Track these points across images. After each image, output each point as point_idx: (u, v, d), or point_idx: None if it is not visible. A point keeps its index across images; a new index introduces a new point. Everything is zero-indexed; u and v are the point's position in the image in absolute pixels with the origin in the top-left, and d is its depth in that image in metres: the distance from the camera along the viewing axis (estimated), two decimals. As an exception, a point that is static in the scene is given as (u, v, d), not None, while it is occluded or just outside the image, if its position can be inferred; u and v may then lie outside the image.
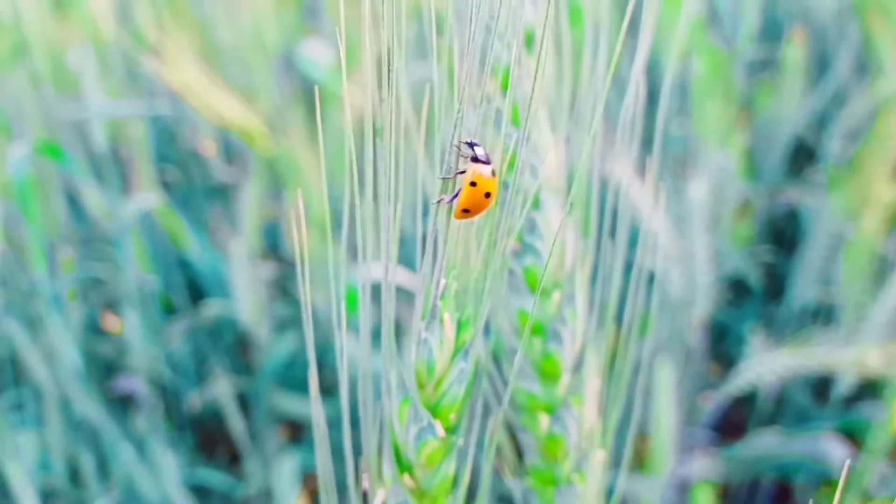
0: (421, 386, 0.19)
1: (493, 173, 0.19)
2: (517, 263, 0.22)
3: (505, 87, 0.20)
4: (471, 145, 0.19)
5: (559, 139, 0.21)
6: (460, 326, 0.19)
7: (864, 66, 0.72)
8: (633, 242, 0.22)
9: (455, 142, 0.18)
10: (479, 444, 0.19)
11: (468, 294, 0.19)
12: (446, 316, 0.19)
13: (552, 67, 0.20)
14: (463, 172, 0.18)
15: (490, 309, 0.19)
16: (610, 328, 0.22)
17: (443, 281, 0.19)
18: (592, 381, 0.22)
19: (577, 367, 0.23)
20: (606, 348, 0.22)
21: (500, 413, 0.19)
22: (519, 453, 0.23)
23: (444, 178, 0.18)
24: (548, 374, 0.22)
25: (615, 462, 0.24)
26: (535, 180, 0.21)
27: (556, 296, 0.22)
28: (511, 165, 0.18)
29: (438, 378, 0.19)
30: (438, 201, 0.18)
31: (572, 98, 0.20)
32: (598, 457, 0.23)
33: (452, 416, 0.19)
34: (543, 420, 0.23)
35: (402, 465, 0.19)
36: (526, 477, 0.23)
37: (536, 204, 0.21)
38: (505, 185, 0.19)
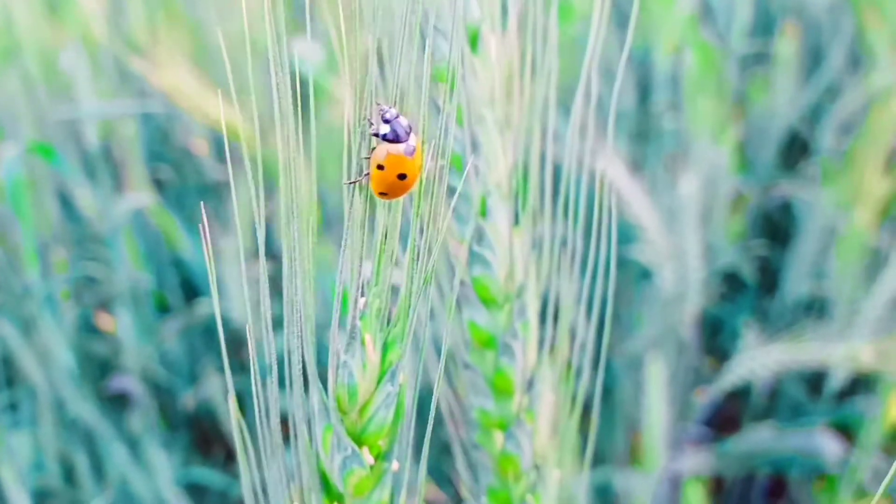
0: (343, 413, 0.18)
1: (413, 151, 0.17)
2: (466, 274, 0.21)
3: (452, 87, 0.19)
4: (384, 118, 0.17)
5: (508, 142, 0.20)
6: (386, 347, 0.18)
7: (858, 60, 0.72)
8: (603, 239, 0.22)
9: (368, 112, 0.16)
10: (429, 468, 0.19)
11: (395, 310, 0.17)
12: (367, 337, 0.17)
13: (502, 67, 0.20)
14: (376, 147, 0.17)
15: (424, 319, 0.18)
16: (565, 341, 0.21)
17: (362, 299, 0.17)
18: (546, 396, 0.22)
19: (531, 381, 0.22)
20: (561, 362, 0.22)
21: (429, 433, 0.17)
22: (475, 472, 0.22)
23: (360, 148, 0.17)
24: (500, 389, 0.21)
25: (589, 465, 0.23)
26: (482, 184, 0.20)
27: (507, 307, 0.21)
28: (458, 168, 0.18)
29: (362, 404, 0.18)
30: (351, 183, 0.17)
31: (524, 99, 0.20)
32: (554, 476, 0.22)
33: (382, 442, 0.18)
34: (498, 437, 0.22)
35: (332, 494, 0.18)
36: (482, 496, 0.22)
37: (483, 211, 0.20)
38: (450, 192, 0.17)
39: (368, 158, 0.17)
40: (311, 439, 0.18)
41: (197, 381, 0.67)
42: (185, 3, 0.75)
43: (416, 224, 0.17)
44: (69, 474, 0.62)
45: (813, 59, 0.75)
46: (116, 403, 0.67)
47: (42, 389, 0.60)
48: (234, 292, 0.61)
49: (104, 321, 0.69)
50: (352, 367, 0.17)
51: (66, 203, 0.69)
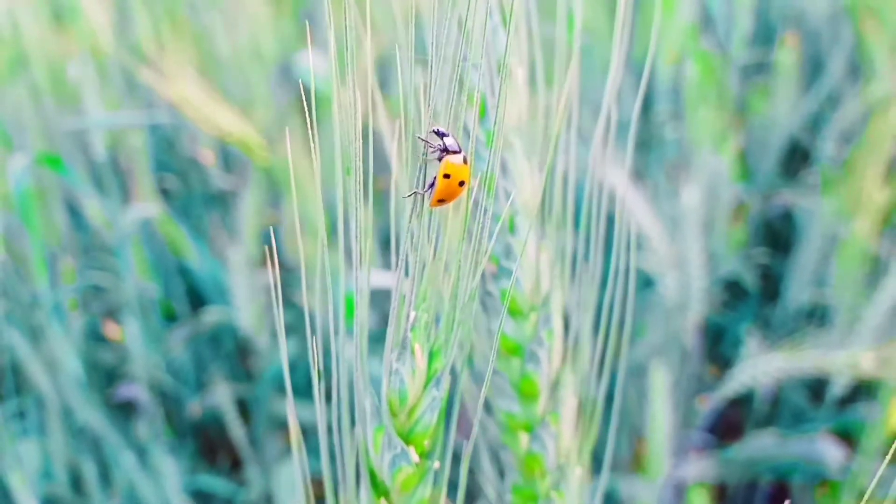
0: (394, 415, 0.19)
1: (465, 160, 0.19)
2: (494, 286, 0.22)
3: (482, 115, 0.21)
4: (440, 134, 0.19)
5: (534, 165, 0.21)
6: (432, 356, 0.19)
7: (857, 69, 0.73)
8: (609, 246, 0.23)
9: (422, 132, 0.18)
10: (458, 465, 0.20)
11: (440, 323, 0.19)
12: (417, 347, 0.19)
13: (527, 94, 0.21)
14: (437, 159, 0.19)
15: (466, 332, 0.19)
16: (586, 348, 0.23)
17: (413, 313, 0.19)
18: (569, 400, 0.23)
19: (555, 386, 0.23)
20: (583, 368, 0.23)
21: (473, 436, 0.19)
22: (500, 471, 0.24)
23: (421, 165, 0.19)
24: (526, 393, 0.23)
25: (598, 469, 0.24)
26: (511, 205, 0.21)
27: (532, 317, 0.22)
28: (489, 190, 0.19)
29: (411, 407, 0.19)
30: (411, 194, 0.19)
31: (547, 122, 0.21)
32: (577, 473, 0.23)
33: (427, 442, 0.19)
34: (523, 438, 0.23)
35: (379, 489, 0.20)
36: (507, 494, 0.23)
37: (512, 229, 0.22)
38: (482, 210, 0.19)
39: (422, 172, 0.19)
40: (364, 439, 0.20)
41: (203, 389, 0.68)
42: (191, 14, 0.75)
43: (462, 249, 0.19)
44: (77, 482, 0.62)
45: (813, 68, 0.75)
46: (124, 411, 0.67)
47: (50, 397, 0.60)
48: (242, 301, 0.62)
49: (111, 330, 0.69)
50: (402, 373, 0.19)
51: (74, 213, 0.70)
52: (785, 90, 0.70)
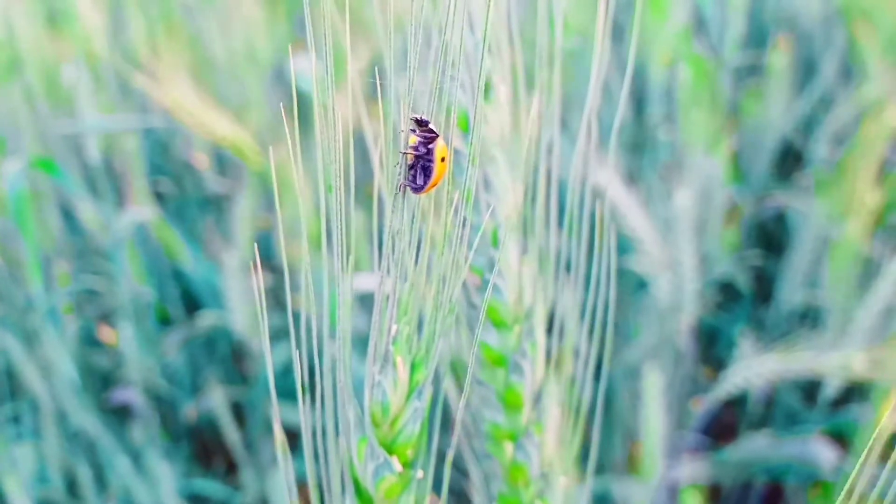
0: (376, 426, 0.20)
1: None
2: (479, 299, 0.22)
3: (464, 129, 0.21)
4: (423, 122, 0.19)
5: (517, 179, 0.22)
6: (414, 367, 0.20)
7: (850, 71, 0.73)
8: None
9: (403, 123, 0.18)
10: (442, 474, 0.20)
11: (422, 335, 0.19)
12: (399, 359, 0.19)
13: (509, 109, 0.21)
14: (425, 150, 0.19)
15: (449, 344, 0.20)
16: (570, 356, 0.23)
17: (394, 326, 0.19)
18: (553, 410, 0.23)
19: (539, 396, 0.23)
20: (567, 377, 0.23)
21: (453, 446, 0.19)
22: (486, 480, 0.24)
23: (403, 153, 0.19)
24: (510, 403, 0.23)
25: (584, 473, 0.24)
26: (494, 219, 0.22)
27: (516, 329, 0.23)
28: (468, 202, 0.19)
29: (393, 418, 0.20)
30: (401, 187, 0.18)
31: (530, 138, 0.21)
32: (561, 482, 0.23)
33: (410, 452, 0.20)
34: (508, 448, 0.23)
35: (363, 497, 0.20)
36: (493, 502, 0.24)
37: (495, 242, 0.22)
38: (462, 221, 0.19)
39: (404, 158, 0.19)
40: (348, 449, 0.20)
41: (198, 392, 0.68)
42: (185, 18, 0.75)
43: (441, 264, 0.19)
44: (72, 486, 0.62)
45: (805, 70, 0.76)
46: (118, 415, 0.67)
47: (45, 401, 0.60)
48: (236, 304, 0.62)
49: (106, 334, 0.69)
50: (385, 385, 0.19)
51: (69, 217, 0.70)
52: (778, 92, 0.71)
